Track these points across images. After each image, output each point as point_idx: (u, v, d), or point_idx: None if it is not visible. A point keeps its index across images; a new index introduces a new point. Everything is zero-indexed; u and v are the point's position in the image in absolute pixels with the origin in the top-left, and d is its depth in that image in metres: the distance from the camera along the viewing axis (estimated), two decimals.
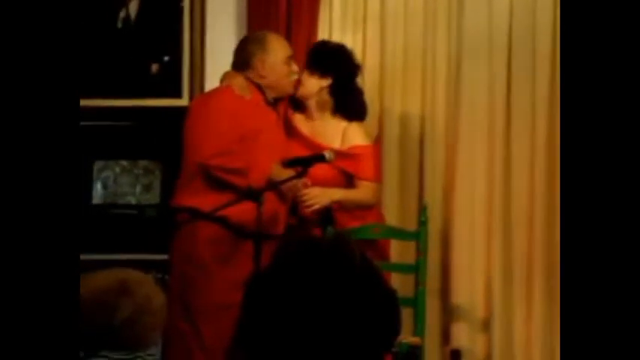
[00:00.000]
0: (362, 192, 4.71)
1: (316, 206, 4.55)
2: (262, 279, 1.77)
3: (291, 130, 4.70)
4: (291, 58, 4.59)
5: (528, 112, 5.16)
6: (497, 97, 5.18)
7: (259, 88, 4.53)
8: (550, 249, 5.13)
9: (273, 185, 4.29)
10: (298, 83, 4.66)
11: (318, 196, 4.55)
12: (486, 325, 5.16)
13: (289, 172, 4.34)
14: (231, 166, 4.31)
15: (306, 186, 4.49)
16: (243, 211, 4.25)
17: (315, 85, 4.67)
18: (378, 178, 4.82)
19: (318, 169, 4.40)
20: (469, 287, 5.18)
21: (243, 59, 4.54)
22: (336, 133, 4.71)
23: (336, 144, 4.67)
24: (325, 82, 4.67)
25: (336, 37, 5.20)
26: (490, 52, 5.18)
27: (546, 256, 5.14)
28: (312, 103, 4.69)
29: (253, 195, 4.19)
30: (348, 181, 4.69)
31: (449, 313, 5.20)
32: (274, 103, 4.60)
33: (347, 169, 4.67)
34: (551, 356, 5.12)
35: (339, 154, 4.59)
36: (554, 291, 5.12)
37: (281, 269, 1.75)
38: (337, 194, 4.62)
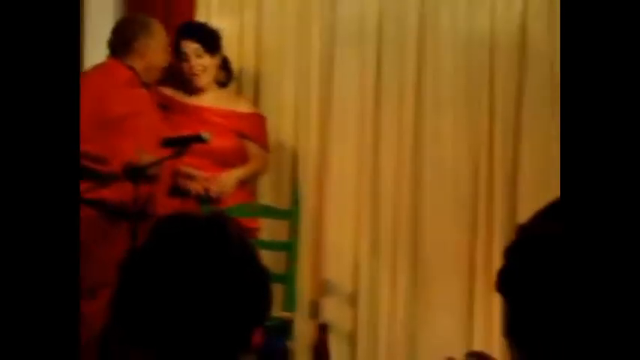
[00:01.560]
0: (258, 162, 4.85)
1: (227, 192, 4.66)
2: (136, 255, 1.78)
3: (175, 107, 4.74)
4: (169, 46, 4.63)
5: (396, 97, 5.33)
6: (367, 82, 5.32)
7: (134, 71, 4.51)
8: (415, 227, 5.33)
9: (143, 168, 4.24)
10: (199, 71, 4.71)
11: (222, 183, 4.66)
12: (354, 300, 5.31)
13: (151, 158, 4.30)
14: (92, 153, 4.24)
15: (206, 178, 4.59)
16: (119, 192, 4.27)
17: (215, 67, 4.77)
18: (269, 147, 4.96)
19: (217, 141, 4.46)
20: (338, 264, 5.32)
21: (124, 40, 4.51)
22: (225, 99, 4.84)
23: (230, 107, 4.79)
24: (219, 60, 4.80)
25: (214, 22, 5.27)
26: (361, 39, 5.33)
27: (411, 235, 5.32)
28: (208, 82, 4.78)
29: (131, 175, 4.23)
30: (243, 146, 4.80)
31: (319, 289, 5.32)
32: (148, 86, 4.59)
33: (245, 132, 4.78)
34: (413, 330, 5.33)
35: (237, 116, 4.72)
36: (418, 268, 5.35)
37: (155, 246, 1.76)
38: (239, 172, 4.73)
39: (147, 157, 4.31)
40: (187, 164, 4.59)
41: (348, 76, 5.32)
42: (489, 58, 5.32)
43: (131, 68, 4.51)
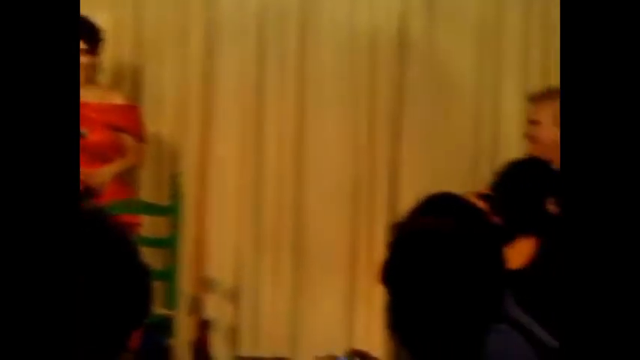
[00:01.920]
0: (134, 154, 4.79)
1: (100, 185, 4.60)
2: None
3: None
4: None
5: (278, 92, 5.33)
6: (249, 77, 5.31)
7: None
8: (297, 223, 5.34)
9: None
10: (90, 69, 4.65)
11: (95, 176, 4.60)
12: (236, 296, 5.31)
13: None
14: None
15: (83, 173, 4.53)
16: None
17: (94, 66, 4.72)
18: (145, 138, 4.90)
19: (92, 136, 4.41)
20: (220, 259, 5.31)
21: None
22: (98, 93, 4.75)
23: (103, 100, 4.72)
24: (99, 59, 4.75)
25: (94, 14, 5.19)
26: (242, 33, 5.30)
27: (294, 230, 5.34)
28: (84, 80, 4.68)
29: None
30: (118, 139, 4.74)
31: (200, 285, 5.31)
32: None
33: (120, 125, 4.72)
34: (295, 325, 5.35)
35: (111, 110, 4.66)
36: (300, 264, 5.37)
37: None
38: (114, 166, 4.68)
39: None
40: None
41: (229, 70, 5.31)
42: (370, 54, 5.36)
43: None
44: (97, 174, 4.62)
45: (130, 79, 5.29)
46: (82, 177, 4.57)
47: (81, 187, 4.58)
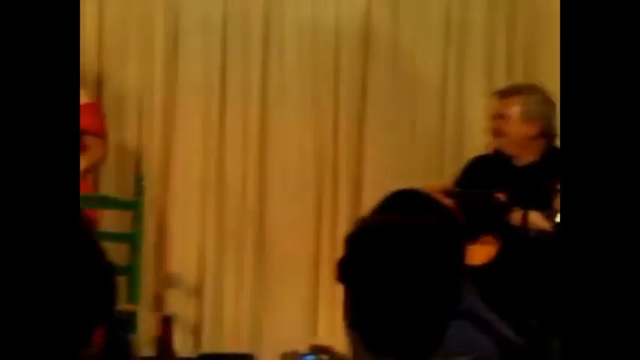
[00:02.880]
0: (95, 151, 4.75)
1: None
2: None
3: None
4: None
5: (241, 87, 5.31)
6: (212, 72, 5.30)
7: None
8: (260, 219, 5.34)
9: None
10: None
11: None
12: (198, 292, 5.30)
13: None
14: None
15: None
16: None
17: None
18: (106, 133, 4.86)
19: None
20: (183, 255, 5.30)
21: None
22: None
23: None
24: None
25: None
26: (205, 28, 5.28)
27: (257, 226, 5.33)
28: None
29: None
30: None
31: (163, 281, 5.29)
32: None
33: (81, 127, 4.66)
34: (258, 321, 5.34)
35: None
36: (263, 260, 5.36)
37: None
38: (82, 163, 4.64)
39: None
40: None
41: (192, 66, 5.29)
42: (334, 47, 5.36)
43: None
44: None
45: (93, 77, 5.24)
46: None
47: None
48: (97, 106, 4.88)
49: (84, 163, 4.69)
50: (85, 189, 4.73)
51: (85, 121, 4.70)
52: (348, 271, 1.94)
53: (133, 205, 4.81)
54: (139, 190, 4.83)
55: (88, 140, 4.73)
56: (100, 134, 4.79)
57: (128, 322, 4.63)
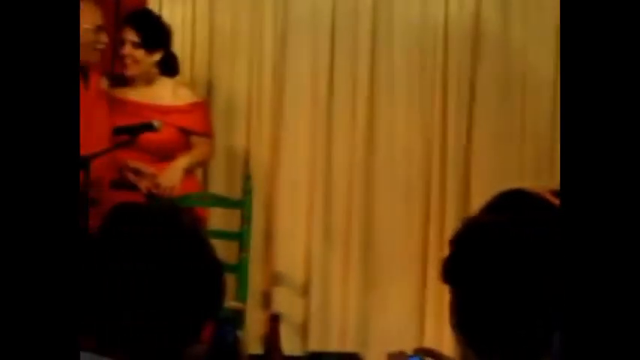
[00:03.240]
0: (202, 149, 4.77)
1: (176, 185, 4.62)
2: (91, 243, 1.75)
3: (113, 103, 4.59)
4: (102, 28, 4.43)
5: (349, 86, 5.32)
6: (320, 70, 5.32)
7: None
8: (367, 217, 5.34)
9: (83, 160, 4.02)
10: (130, 63, 4.58)
11: (170, 177, 4.61)
12: (305, 290, 5.32)
13: None
14: None
15: (154, 174, 4.55)
16: None
17: (149, 62, 4.63)
18: (212, 132, 4.89)
19: (156, 135, 4.35)
20: (290, 254, 5.33)
21: None
22: (166, 93, 4.72)
23: (168, 102, 4.71)
24: (158, 57, 4.66)
25: (166, 9, 5.24)
26: (314, 28, 5.32)
27: (364, 224, 5.33)
28: (142, 76, 4.67)
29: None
30: (184, 138, 4.72)
31: (270, 279, 5.33)
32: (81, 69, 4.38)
33: (185, 125, 4.70)
34: (365, 320, 5.34)
35: (176, 111, 4.66)
36: (370, 258, 5.36)
37: (107, 237, 1.75)
38: (182, 162, 4.67)
39: None
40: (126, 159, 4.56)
41: (300, 64, 5.32)
42: (443, 46, 5.33)
43: None
44: (166, 175, 4.62)
45: (203, 79, 5.31)
46: (152, 178, 4.59)
47: (153, 188, 4.60)
48: (204, 105, 4.90)
49: (187, 161, 4.73)
50: (192, 187, 4.77)
51: (191, 119, 4.75)
52: (453, 271, 1.91)
53: (241, 204, 4.84)
54: (247, 189, 4.86)
55: (194, 139, 4.77)
56: (206, 133, 4.83)
57: (236, 319, 4.67)
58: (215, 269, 1.77)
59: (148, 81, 4.69)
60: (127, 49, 4.60)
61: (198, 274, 1.74)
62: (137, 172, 4.61)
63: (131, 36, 4.61)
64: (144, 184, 4.60)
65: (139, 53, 4.62)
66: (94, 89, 4.48)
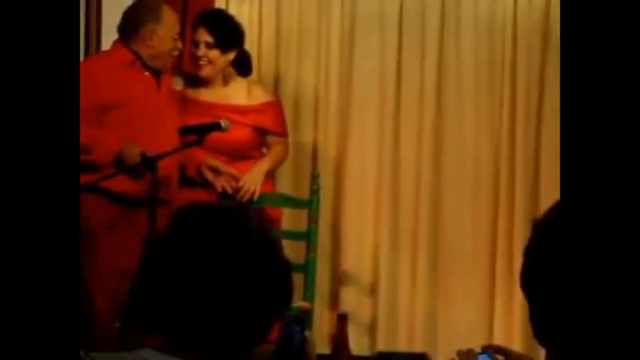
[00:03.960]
0: (280, 149, 4.78)
1: (258, 189, 4.63)
2: (159, 243, 1.77)
3: (185, 103, 4.60)
4: (179, 35, 4.47)
5: (417, 84, 5.31)
6: (388, 70, 5.30)
7: (137, 55, 4.35)
8: (435, 217, 5.31)
9: (152, 160, 4.10)
10: (205, 64, 4.58)
11: (253, 180, 4.62)
12: (373, 290, 5.31)
13: (138, 149, 4.17)
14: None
15: (236, 179, 4.57)
16: (122, 181, 4.19)
17: (224, 62, 4.62)
18: (287, 132, 4.89)
19: (230, 132, 4.32)
20: (357, 254, 5.32)
21: (132, 25, 4.36)
22: (240, 92, 4.72)
23: (243, 101, 4.72)
24: (232, 56, 4.65)
25: (233, 7, 5.26)
26: (382, 26, 5.31)
27: (431, 224, 5.31)
28: (217, 76, 4.66)
29: (147, 163, 4.15)
30: (259, 137, 4.73)
31: (338, 279, 5.33)
32: (155, 72, 4.42)
33: (262, 125, 4.70)
34: (433, 320, 5.32)
35: (252, 110, 4.67)
36: (437, 258, 5.33)
37: (177, 236, 1.76)
38: (265, 165, 4.68)
39: (132, 149, 4.20)
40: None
41: (368, 62, 5.31)
42: (511, 44, 5.28)
43: (135, 53, 4.36)
44: (248, 179, 4.63)
45: (270, 77, 5.32)
46: (231, 179, 4.60)
47: (228, 187, 4.61)
48: (278, 104, 4.88)
49: (269, 164, 4.73)
50: (266, 188, 4.76)
51: (267, 119, 4.75)
52: (527, 280, 1.87)
53: (308, 204, 4.85)
54: (315, 188, 4.86)
55: (270, 139, 4.78)
56: (283, 132, 4.83)
57: (303, 319, 4.66)
58: (283, 269, 1.78)
59: (224, 81, 4.70)
60: (202, 51, 4.60)
61: (267, 274, 1.75)
62: (216, 171, 4.63)
63: (205, 37, 4.60)
64: (220, 183, 4.61)
65: (214, 54, 4.61)
66: (165, 90, 4.49)
